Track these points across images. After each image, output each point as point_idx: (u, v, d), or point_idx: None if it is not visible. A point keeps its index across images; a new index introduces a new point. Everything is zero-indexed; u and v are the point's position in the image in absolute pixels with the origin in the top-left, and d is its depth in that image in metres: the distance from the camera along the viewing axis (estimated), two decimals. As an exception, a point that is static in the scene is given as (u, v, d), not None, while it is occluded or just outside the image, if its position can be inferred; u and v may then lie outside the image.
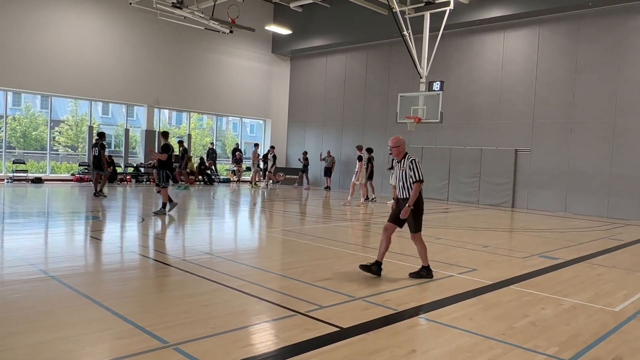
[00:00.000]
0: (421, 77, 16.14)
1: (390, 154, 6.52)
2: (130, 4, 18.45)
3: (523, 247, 9.46)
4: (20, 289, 5.29)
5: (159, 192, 11.92)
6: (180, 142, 20.73)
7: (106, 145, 16.17)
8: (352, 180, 16.47)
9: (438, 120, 15.61)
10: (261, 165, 23.44)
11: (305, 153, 24.63)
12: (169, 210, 11.70)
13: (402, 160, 6.41)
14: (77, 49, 20.02)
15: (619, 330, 4.70)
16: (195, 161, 23.70)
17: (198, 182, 22.98)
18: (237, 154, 24.38)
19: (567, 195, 17.15)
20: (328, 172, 22.91)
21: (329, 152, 23.33)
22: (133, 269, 6.65)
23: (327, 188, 22.88)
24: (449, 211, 16.25)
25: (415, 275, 6.42)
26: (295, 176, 25.23)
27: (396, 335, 4.33)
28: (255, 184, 23.05)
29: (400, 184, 6.38)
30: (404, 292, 5.72)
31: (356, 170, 16.29)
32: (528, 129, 18.12)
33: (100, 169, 15.28)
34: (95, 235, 9.08)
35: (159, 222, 10.73)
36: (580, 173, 16.85)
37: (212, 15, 17.03)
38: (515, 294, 5.92)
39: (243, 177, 24.93)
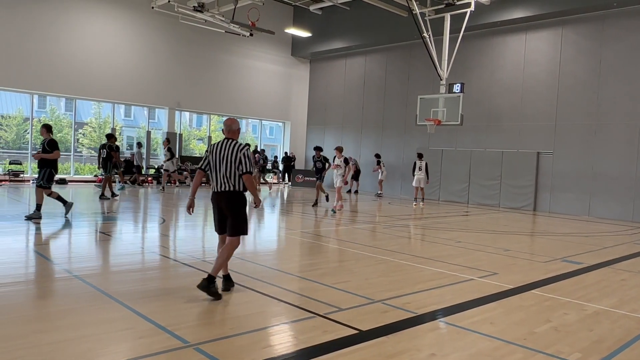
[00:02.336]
0: (441, 79, 16.03)
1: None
2: (153, 8, 18.72)
3: (545, 251, 9.32)
4: (44, 287, 5.40)
5: (49, 194, 10.32)
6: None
7: (114, 147, 15.42)
8: (338, 184, 14.54)
9: (458, 123, 15.49)
10: (280, 167, 23.26)
11: (262, 151, 23.59)
12: (65, 214, 10.52)
13: (229, 146, 5.33)
14: (100, 53, 20.38)
15: (644, 337, 4.60)
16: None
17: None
18: (256, 155, 24.51)
19: (591, 198, 16.84)
20: (354, 175, 22.90)
21: (350, 158, 23.28)
22: (154, 269, 6.73)
23: (356, 192, 22.83)
24: (469, 214, 16.10)
25: (205, 287, 5.15)
26: (313, 178, 25.19)
27: (416, 339, 4.30)
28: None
29: (227, 173, 5.27)
30: (424, 295, 5.68)
31: (342, 173, 14.55)
32: (550, 132, 17.86)
33: (107, 171, 15.12)
34: (117, 235, 9.21)
35: (181, 222, 10.83)
36: (605, 176, 16.53)
37: (233, 18, 17.18)
38: (536, 298, 5.83)
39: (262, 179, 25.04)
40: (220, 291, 5.22)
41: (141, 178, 21.34)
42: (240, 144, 5.35)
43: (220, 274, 5.49)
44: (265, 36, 21.22)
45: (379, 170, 21.90)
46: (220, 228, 5.49)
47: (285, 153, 26.58)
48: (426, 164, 17.80)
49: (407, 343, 4.17)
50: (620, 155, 16.23)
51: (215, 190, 5.36)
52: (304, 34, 24.36)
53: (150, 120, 24.33)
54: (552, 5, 17.09)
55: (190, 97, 23.20)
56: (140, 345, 3.90)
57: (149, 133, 23.10)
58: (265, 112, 26.34)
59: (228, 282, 5.56)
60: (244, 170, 5.25)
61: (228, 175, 5.26)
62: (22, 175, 19.94)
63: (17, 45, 18.37)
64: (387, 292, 5.73)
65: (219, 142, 5.42)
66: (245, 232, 5.39)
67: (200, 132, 33.12)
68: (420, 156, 17.96)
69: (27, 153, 20.82)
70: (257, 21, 17.33)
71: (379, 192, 21.88)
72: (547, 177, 17.95)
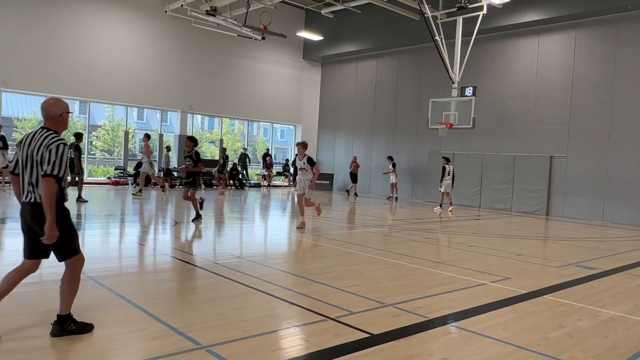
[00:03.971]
0: (453, 83, 15.98)
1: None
2: (166, 12, 18.89)
3: (558, 256, 9.23)
4: (59, 289, 5.45)
5: None
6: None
7: (82, 148, 14.63)
8: (306, 194, 11.40)
9: (470, 126, 15.43)
10: (290, 171, 23.23)
11: (224, 150, 22.09)
12: None
13: (39, 138, 3.88)
14: (113, 56, 20.59)
15: (660, 344, 4.54)
16: (227, 166, 24.02)
17: (230, 187, 23.28)
18: (267, 159, 24.63)
19: (605, 203, 16.66)
20: (354, 177, 22.91)
21: (355, 159, 23.28)
22: (167, 271, 6.77)
23: (355, 194, 22.80)
24: (481, 218, 16.00)
25: (59, 331, 3.96)
26: (325, 182, 25.23)
27: (427, 343, 4.29)
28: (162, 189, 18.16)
29: (31, 177, 3.86)
30: (435, 300, 5.66)
31: (309, 178, 11.46)
32: (564, 135, 17.71)
33: (78, 173, 14.19)
34: (130, 237, 9.29)
35: (193, 225, 10.91)
36: (619, 180, 16.35)
37: (245, 22, 17.28)
38: (549, 303, 5.79)
39: (273, 182, 25.13)
40: (49, 334, 3.97)
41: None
42: (54, 136, 3.86)
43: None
44: (277, 39, 21.29)
45: (392, 173, 21.53)
46: (30, 252, 4.00)
47: (296, 156, 26.60)
48: (453, 169, 17.40)
49: (418, 347, 4.16)
50: (634, 159, 16.04)
51: (22, 199, 3.94)
52: (315, 37, 24.41)
53: (162, 123, 24.53)
54: (565, 8, 16.95)
55: (202, 100, 23.34)
56: (153, 346, 3.94)
57: (161, 136, 23.27)
58: (277, 115, 26.41)
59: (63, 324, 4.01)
60: (45, 172, 3.73)
61: (33, 180, 3.84)
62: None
63: (31, 48, 18.62)
64: (398, 296, 5.72)
65: (29, 134, 3.99)
66: (76, 251, 4.01)
67: (212, 134, 33.31)
68: (448, 160, 17.43)
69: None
70: (269, 25, 17.42)
71: (390, 195, 21.70)
72: (560, 181, 17.79)
